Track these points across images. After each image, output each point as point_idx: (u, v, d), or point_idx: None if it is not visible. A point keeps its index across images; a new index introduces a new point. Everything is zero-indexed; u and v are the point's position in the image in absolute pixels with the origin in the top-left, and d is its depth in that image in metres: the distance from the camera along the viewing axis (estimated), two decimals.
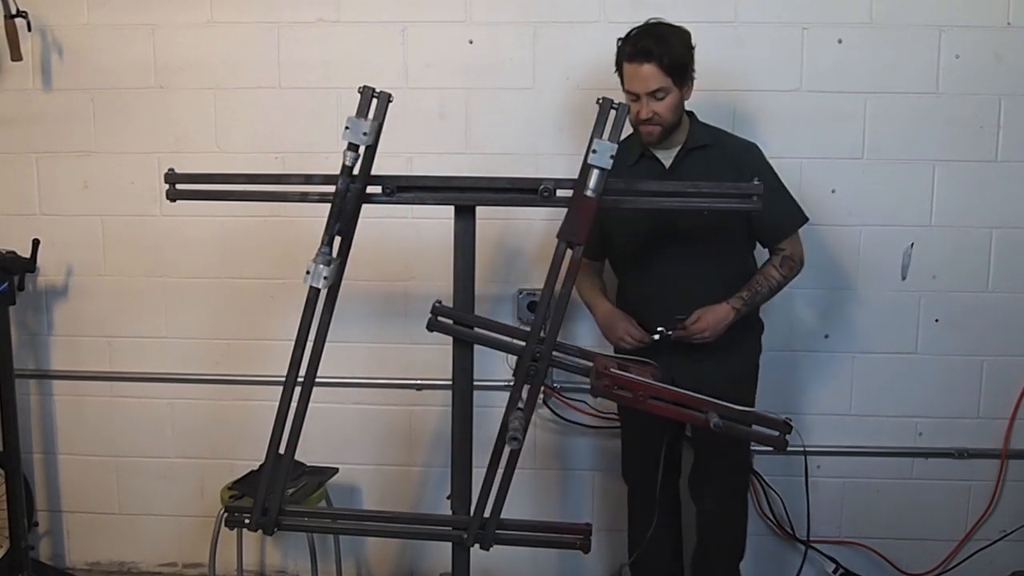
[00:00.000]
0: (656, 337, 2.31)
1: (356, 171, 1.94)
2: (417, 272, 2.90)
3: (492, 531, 2.10)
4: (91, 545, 3.16)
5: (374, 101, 1.93)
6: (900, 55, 2.71)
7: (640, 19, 2.30)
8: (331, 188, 1.95)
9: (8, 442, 2.81)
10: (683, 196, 2.05)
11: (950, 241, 2.78)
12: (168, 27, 2.86)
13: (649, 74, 2.20)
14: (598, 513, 2.97)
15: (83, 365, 3.04)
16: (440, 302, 2.06)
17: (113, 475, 3.10)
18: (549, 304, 1.99)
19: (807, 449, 2.46)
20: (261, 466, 2.17)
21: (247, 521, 2.13)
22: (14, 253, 2.78)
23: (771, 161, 2.41)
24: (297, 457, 2.14)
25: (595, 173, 1.88)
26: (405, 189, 2.04)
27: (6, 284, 2.73)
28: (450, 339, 2.08)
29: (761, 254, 2.51)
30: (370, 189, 2.00)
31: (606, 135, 1.87)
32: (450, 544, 2.18)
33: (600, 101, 1.90)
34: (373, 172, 1.98)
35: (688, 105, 2.35)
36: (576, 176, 1.92)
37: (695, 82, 2.31)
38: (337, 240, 1.98)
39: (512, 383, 2.04)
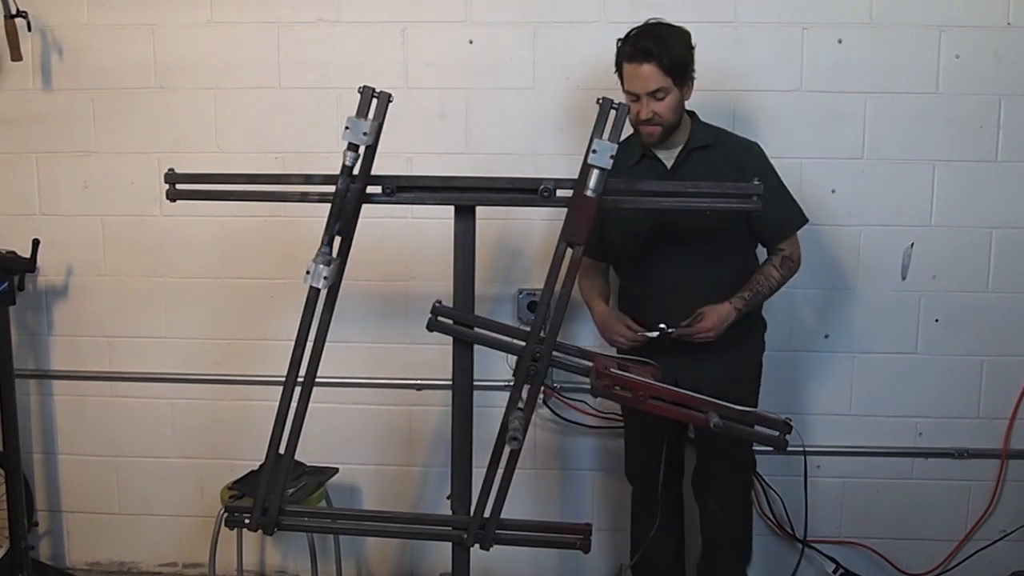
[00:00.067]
0: (655, 334, 2.29)
1: (356, 171, 1.94)
2: (417, 272, 2.90)
3: (492, 531, 2.10)
4: (91, 545, 3.16)
5: (374, 101, 1.93)
6: (900, 55, 2.71)
7: (640, 19, 2.29)
8: (331, 188, 1.95)
9: (8, 442, 2.81)
10: (683, 196, 2.05)
11: (950, 241, 2.78)
12: (168, 27, 2.86)
13: (649, 74, 2.20)
14: (598, 513, 2.97)
15: (83, 365, 3.04)
16: (440, 302, 2.06)
17: (113, 475, 3.10)
18: (549, 304, 1.99)
19: (807, 449, 2.46)
20: (261, 466, 2.17)
21: (247, 521, 2.14)
22: (14, 253, 2.78)
23: (771, 161, 2.41)
24: (297, 457, 2.14)
25: (595, 173, 1.88)
26: (405, 189, 2.04)
27: (6, 284, 2.73)
28: (450, 339, 2.08)
29: (762, 254, 2.51)
30: (370, 189, 2.01)
31: (606, 135, 1.87)
32: (450, 544, 2.18)
33: (600, 101, 1.90)
34: (373, 172, 1.98)
35: (689, 105, 2.35)
36: (576, 176, 1.92)
37: (695, 82, 2.31)
38: (337, 240, 1.98)
39: (512, 383, 2.04)
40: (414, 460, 3.02)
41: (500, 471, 2.06)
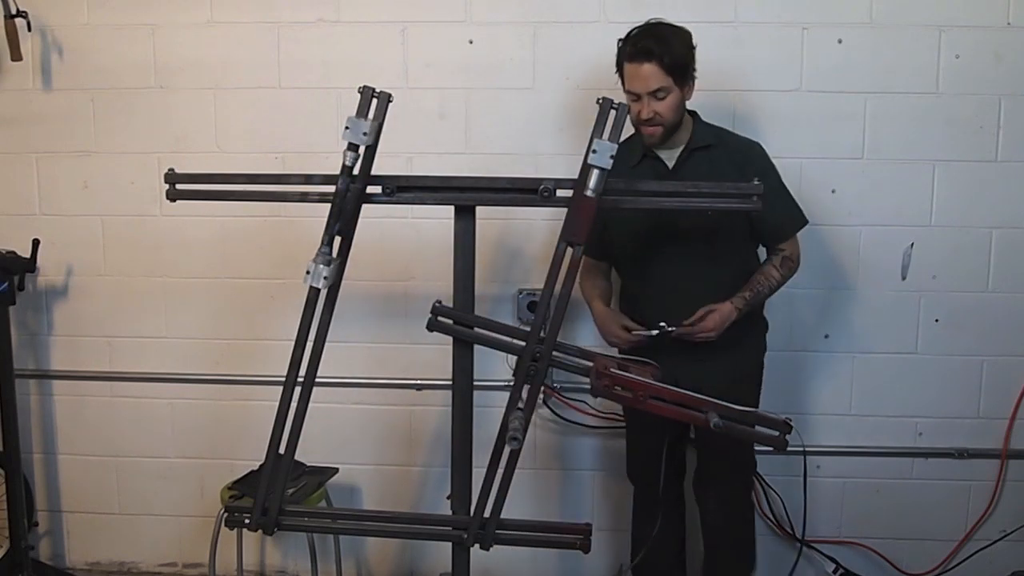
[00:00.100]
0: (655, 332, 2.29)
1: (356, 171, 1.94)
2: (417, 272, 2.90)
3: (492, 531, 2.10)
4: (91, 545, 3.16)
5: (374, 101, 1.93)
6: (900, 55, 2.71)
7: (640, 19, 2.29)
8: (331, 188, 1.95)
9: (8, 442, 2.81)
10: (683, 196, 2.05)
11: (950, 241, 2.78)
12: (168, 27, 2.86)
13: (650, 74, 2.20)
14: (598, 513, 2.97)
15: (83, 365, 3.04)
16: (440, 302, 2.06)
17: (113, 475, 3.10)
18: (549, 304, 1.99)
19: (807, 449, 2.47)
20: (261, 466, 2.17)
21: (247, 521, 2.14)
22: (14, 253, 2.78)
23: (772, 161, 2.41)
24: (297, 457, 2.14)
25: (595, 173, 1.88)
26: (405, 189, 2.04)
27: (6, 284, 2.73)
28: (450, 339, 2.09)
29: (762, 254, 2.51)
30: (370, 189, 2.01)
31: (606, 135, 1.87)
32: (450, 544, 2.18)
33: (600, 101, 1.90)
34: (373, 172, 1.98)
35: (689, 105, 2.34)
36: (576, 176, 1.92)
37: (696, 82, 2.31)
38: (337, 240, 1.98)
39: (512, 383, 2.04)
40: (414, 460, 3.02)
41: (500, 471, 2.06)
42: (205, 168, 2.12)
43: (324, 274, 1.92)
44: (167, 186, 2.10)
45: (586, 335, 2.81)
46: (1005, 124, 2.73)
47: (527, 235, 2.85)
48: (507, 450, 2.00)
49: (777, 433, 2.01)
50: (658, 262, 2.39)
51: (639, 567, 2.62)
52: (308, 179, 2.08)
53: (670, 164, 2.35)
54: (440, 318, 2.06)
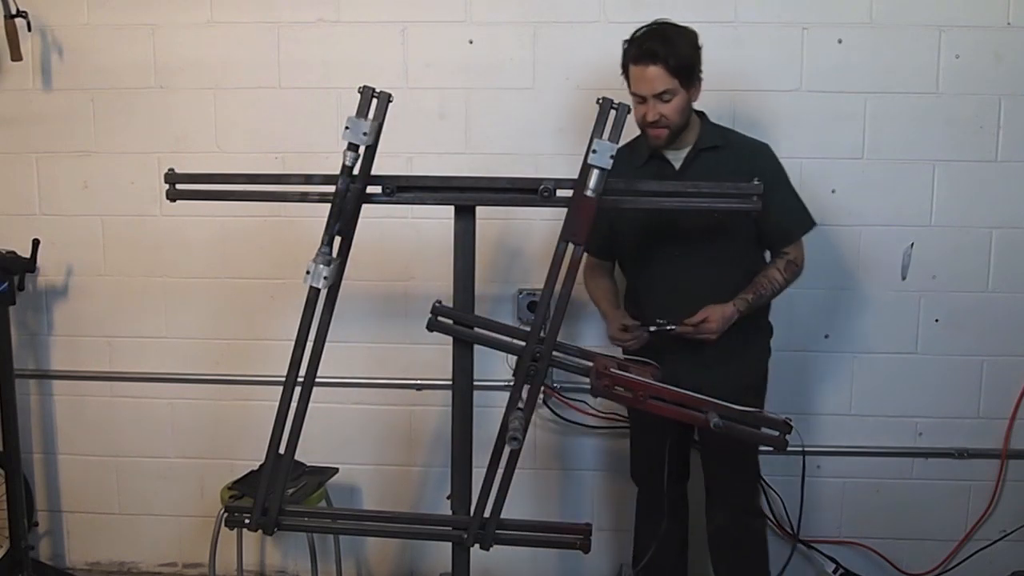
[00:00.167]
0: (652, 329, 2.27)
1: (356, 171, 1.94)
2: (417, 272, 2.90)
3: (492, 531, 2.10)
4: (91, 545, 3.16)
5: (374, 101, 1.93)
6: (900, 55, 2.71)
7: (640, 19, 2.29)
8: (331, 188, 1.95)
9: (8, 442, 2.81)
10: (683, 196, 2.05)
11: (950, 241, 2.78)
12: (168, 27, 2.86)
13: (655, 76, 2.17)
14: (598, 513, 2.97)
15: (83, 365, 3.04)
16: (440, 302, 2.06)
17: (113, 475, 3.10)
18: (549, 304, 1.99)
19: (807, 449, 2.46)
20: (261, 466, 2.17)
21: (247, 521, 2.14)
22: (14, 253, 2.78)
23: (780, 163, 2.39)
24: (297, 457, 2.14)
25: (595, 173, 1.88)
26: (405, 189, 2.04)
27: (6, 284, 2.73)
28: (450, 339, 2.08)
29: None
30: (370, 189, 2.01)
31: (606, 135, 1.87)
32: (450, 544, 2.18)
33: (600, 101, 1.90)
34: (373, 172, 1.98)
35: (695, 106, 2.33)
36: (576, 176, 1.92)
37: (703, 82, 2.29)
38: (337, 240, 1.98)
39: (512, 383, 2.04)
40: (414, 460, 3.02)
41: (500, 471, 2.06)
42: (205, 168, 2.12)
43: (324, 274, 1.92)
44: (167, 186, 2.10)
45: (587, 335, 2.81)
46: (1005, 124, 2.73)
47: (527, 235, 2.85)
48: (507, 450, 2.00)
49: (777, 433, 2.01)
50: (661, 262, 2.38)
51: (641, 569, 2.60)
52: (308, 179, 2.08)
53: (677, 165, 2.34)
54: (440, 318, 2.06)
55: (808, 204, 2.46)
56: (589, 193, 1.89)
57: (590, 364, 2.05)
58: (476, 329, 2.08)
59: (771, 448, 2.01)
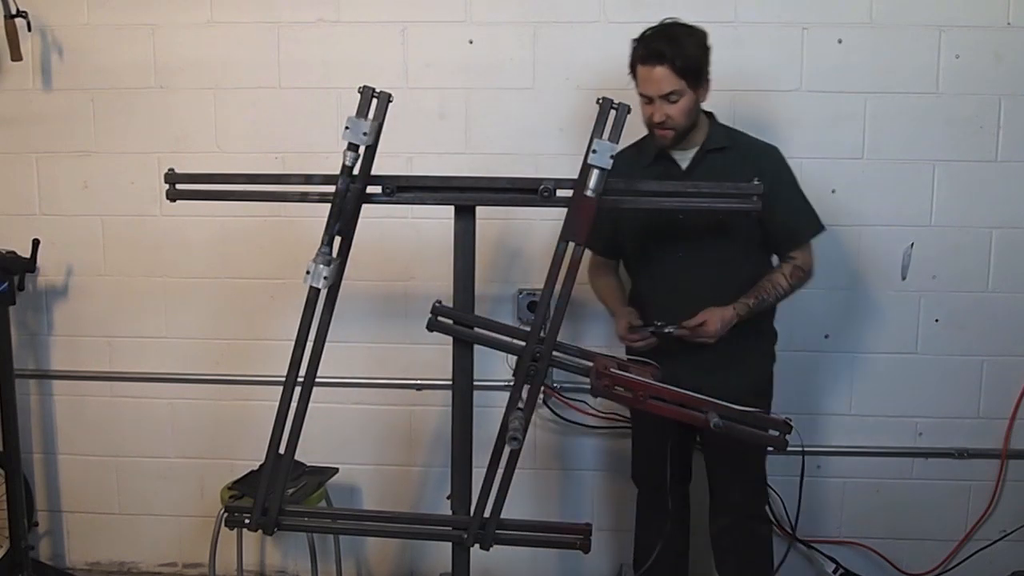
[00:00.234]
0: (651, 330, 2.26)
1: (356, 171, 1.94)
2: (417, 272, 2.90)
3: (492, 531, 2.10)
4: (91, 545, 3.16)
5: (374, 101, 1.93)
6: (900, 55, 2.71)
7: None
8: (331, 188, 1.95)
9: (8, 442, 2.81)
10: (683, 196, 2.05)
11: (950, 241, 2.78)
12: (168, 27, 2.86)
13: (662, 77, 2.16)
14: (598, 513, 2.97)
15: (83, 365, 3.04)
16: (440, 302, 2.06)
17: (113, 475, 3.10)
18: (549, 304, 1.99)
19: (806, 449, 2.46)
20: (261, 466, 2.17)
21: (247, 521, 2.14)
22: (14, 253, 2.78)
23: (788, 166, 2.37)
24: (297, 457, 2.14)
25: (595, 173, 1.88)
26: (405, 189, 2.04)
27: (6, 284, 2.73)
28: (450, 339, 2.08)
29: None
30: (370, 189, 2.01)
31: (606, 135, 1.87)
32: (450, 544, 2.18)
33: (600, 101, 1.90)
34: (373, 172, 1.98)
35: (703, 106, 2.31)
36: (576, 176, 1.92)
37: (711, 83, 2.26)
38: (337, 240, 1.98)
39: (512, 383, 2.04)
40: (414, 460, 3.02)
41: (500, 471, 2.06)
42: (205, 168, 2.12)
43: (324, 274, 1.92)
44: (167, 186, 2.10)
45: (587, 335, 2.81)
46: (1005, 124, 2.73)
47: (527, 235, 2.85)
48: (507, 450, 2.00)
49: (777, 433, 2.01)
50: (663, 263, 2.37)
51: (640, 567, 2.60)
52: (308, 179, 2.07)
53: (684, 165, 2.32)
54: (440, 318, 2.06)
55: None
56: (589, 193, 1.89)
57: (590, 364, 2.05)
58: (476, 329, 2.08)
59: (771, 448, 2.01)
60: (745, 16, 2.72)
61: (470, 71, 2.82)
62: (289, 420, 2.06)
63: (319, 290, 1.96)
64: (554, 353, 2.01)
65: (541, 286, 2.03)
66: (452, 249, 2.05)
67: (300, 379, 2.05)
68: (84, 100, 2.91)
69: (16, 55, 2.78)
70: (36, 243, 2.80)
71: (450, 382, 2.11)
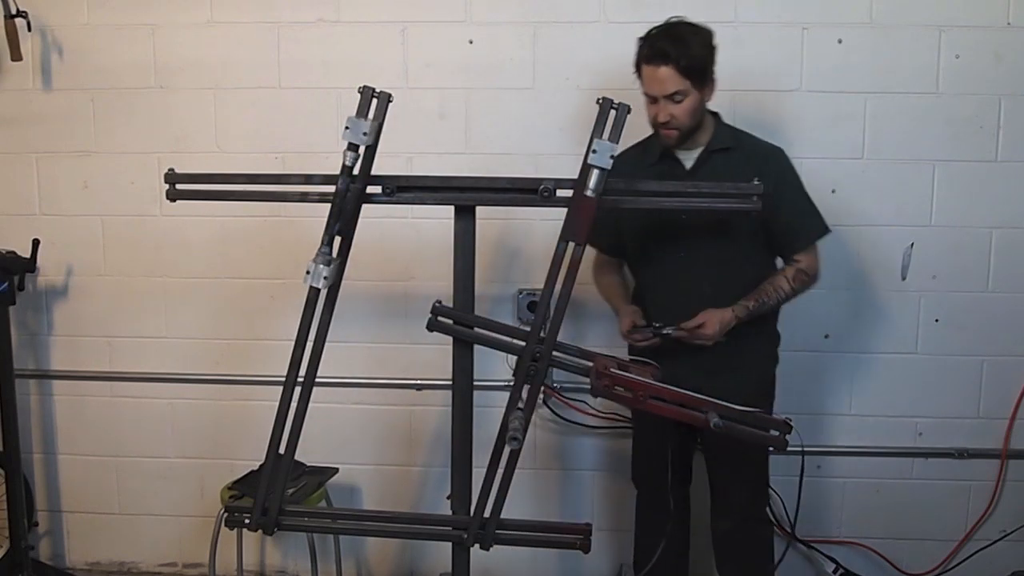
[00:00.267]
0: (649, 330, 2.26)
1: (356, 171, 1.94)
2: (417, 272, 2.90)
3: (492, 531, 2.10)
4: (91, 545, 3.16)
5: (374, 101, 1.93)
6: (900, 55, 2.71)
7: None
8: (331, 188, 1.95)
9: (8, 442, 2.81)
10: (682, 196, 2.05)
11: (950, 241, 2.78)
12: (168, 27, 2.86)
13: (666, 77, 2.15)
14: (598, 513, 2.97)
15: (83, 365, 3.04)
16: (440, 302, 2.06)
17: (113, 475, 3.10)
18: (549, 304, 1.99)
19: (806, 449, 2.46)
20: (261, 466, 2.17)
21: (247, 521, 2.14)
22: (14, 253, 2.78)
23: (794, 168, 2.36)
24: (297, 457, 2.14)
25: (595, 173, 1.88)
26: (405, 189, 2.04)
27: (6, 284, 2.73)
28: (450, 339, 2.08)
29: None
30: (370, 189, 2.01)
31: (606, 135, 1.87)
32: (450, 544, 2.18)
33: (600, 101, 1.90)
34: (373, 172, 1.98)
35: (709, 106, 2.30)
36: (576, 176, 1.92)
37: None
38: (337, 240, 1.98)
39: (512, 383, 2.04)
40: (414, 460, 3.02)
41: (500, 471, 2.06)
42: (205, 168, 2.12)
43: (324, 274, 1.92)
44: (167, 186, 2.10)
45: (589, 335, 2.81)
46: (1005, 124, 2.73)
47: (527, 235, 2.85)
48: (507, 450, 2.00)
49: (777, 433, 2.01)
50: (664, 262, 2.36)
51: (642, 568, 2.59)
52: (308, 179, 2.08)
53: (688, 165, 2.31)
54: (440, 318, 2.06)
55: None
56: (589, 193, 1.89)
57: (590, 364, 2.05)
58: (476, 329, 2.08)
59: (772, 448, 2.01)
60: (745, 16, 2.72)
61: (470, 71, 2.82)
62: (289, 420, 2.06)
63: (319, 290, 1.96)
64: (554, 353, 2.01)
65: (541, 286, 2.03)
66: (452, 249, 2.05)
67: (300, 379, 2.05)
68: (84, 100, 2.91)
69: (16, 55, 2.78)
70: (36, 243, 2.80)
71: (450, 382, 2.11)
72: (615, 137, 1.87)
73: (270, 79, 2.86)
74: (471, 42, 2.81)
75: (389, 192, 2.03)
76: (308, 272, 1.93)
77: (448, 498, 2.17)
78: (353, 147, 1.91)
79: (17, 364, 2.86)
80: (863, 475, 2.91)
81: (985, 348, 2.82)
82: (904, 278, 2.81)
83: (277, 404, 2.05)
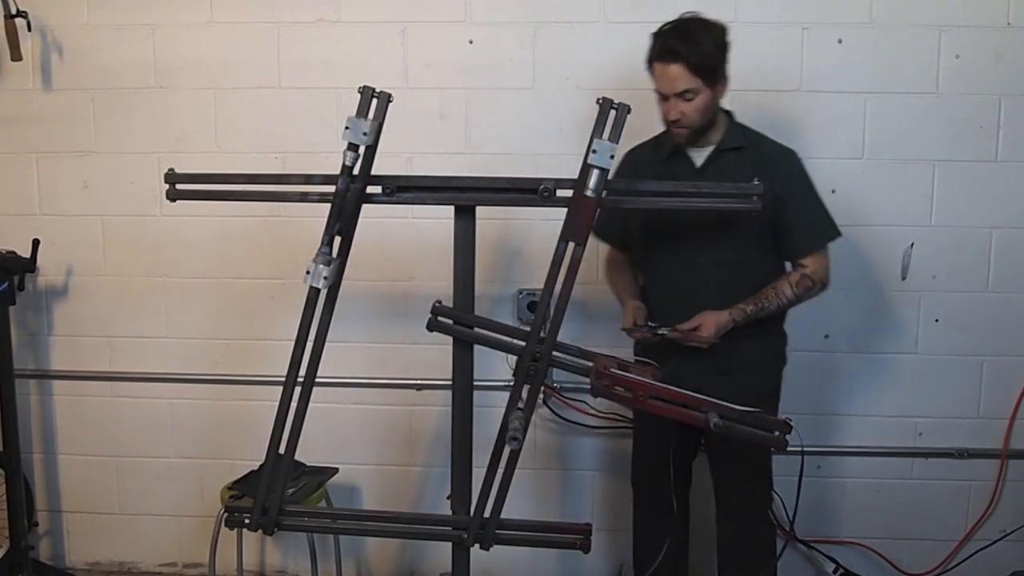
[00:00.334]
0: (646, 330, 2.26)
1: (356, 171, 1.94)
2: (417, 272, 2.90)
3: (492, 531, 2.10)
4: (91, 545, 3.16)
5: (374, 101, 1.93)
6: (900, 55, 2.71)
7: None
8: (331, 188, 1.95)
9: (8, 442, 2.81)
10: (682, 196, 2.05)
11: (950, 241, 2.78)
12: (168, 27, 2.87)
13: (676, 75, 2.13)
14: (598, 513, 2.97)
15: (83, 365, 3.04)
16: (440, 302, 2.06)
17: (113, 475, 3.10)
18: (549, 304, 1.99)
19: (806, 449, 2.46)
20: (261, 466, 2.17)
21: (247, 521, 2.14)
22: (14, 253, 2.78)
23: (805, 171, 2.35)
24: (297, 457, 2.14)
25: (595, 173, 1.88)
26: (405, 189, 2.04)
27: (6, 284, 2.73)
28: (450, 339, 2.08)
29: None
30: (370, 189, 2.01)
31: (606, 135, 1.87)
32: (450, 544, 2.18)
33: (600, 101, 1.90)
34: (373, 172, 1.98)
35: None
36: (576, 176, 1.92)
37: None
38: (337, 240, 1.98)
39: (512, 383, 2.04)
40: (414, 460, 3.02)
41: (500, 471, 2.06)
42: (205, 168, 2.12)
43: (324, 274, 1.92)
44: (167, 186, 2.10)
45: (589, 335, 2.80)
46: (1005, 124, 2.73)
47: (527, 235, 2.85)
48: (507, 450, 2.00)
49: (777, 433, 2.01)
50: (668, 261, 2.36)
51: (642, 568, 2.59)
52: (308, 179, 2.08)
53: (698, 163, 2.30)
54: (440, 318, 2.06)
55: None
56: (589, 193, 1.89)
57: (590, 364, 2.05)
58: (476, 329, 2.08)
59: (771, 448, 2.01)
60: (745, 16, 2.72)
61: (470, 71, 2.82)
62: (289, 420, 2.06)
63: (319, 290, 1.96)
64: (554, 353, 2.01)
65: (541, 286, 2.03)
66: (452, 249, 2.05)
67: (300, 379, 2.05)
68: (84, 100, 2.91)
69: (16, 55, 2.78)
70: (36, 243, 2.80)
71: (450, 382, 2.11)
72: (615, 137, 1.87)
73: (270, 79, 2.86)
74: (471, 42, 2.81)
75: (389, 192, 2.03)
76: (308, 272, 1.92)
77: (448, 498, 2.17)
78: (353, 147, 1.91)
79: (17, 364, 2.86)
80: (863, 475, 2.91)
81: (985, 348, 2.82)
82: (904, 278, 2.81)
83: (277, 404, 2.05)
